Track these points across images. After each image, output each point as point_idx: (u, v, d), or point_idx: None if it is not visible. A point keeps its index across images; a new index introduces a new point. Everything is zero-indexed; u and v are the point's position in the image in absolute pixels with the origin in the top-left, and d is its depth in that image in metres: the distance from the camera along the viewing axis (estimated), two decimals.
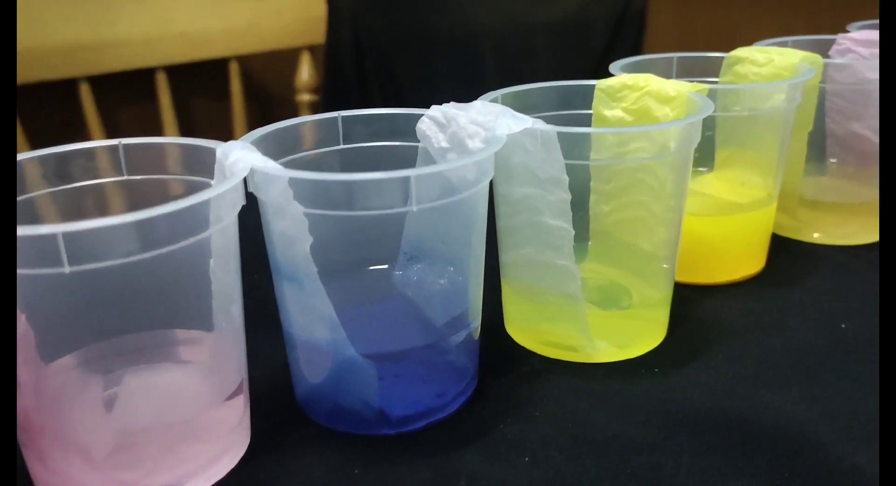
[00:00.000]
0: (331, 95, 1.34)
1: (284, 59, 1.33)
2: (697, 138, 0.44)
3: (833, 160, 0.63)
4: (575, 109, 0.50)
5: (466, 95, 0.47)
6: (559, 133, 0.40)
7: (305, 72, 1.28)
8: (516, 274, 0.46)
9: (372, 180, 0.34)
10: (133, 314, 0.37)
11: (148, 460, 0.34)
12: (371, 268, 0.44)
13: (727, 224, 0.53)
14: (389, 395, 0.39)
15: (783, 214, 0.60)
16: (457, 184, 0.38)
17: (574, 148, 0.41)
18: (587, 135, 0.41)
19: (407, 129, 0.43)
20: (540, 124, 0.40)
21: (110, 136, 1.16)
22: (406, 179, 0.34)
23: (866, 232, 0.60)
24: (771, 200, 0.54)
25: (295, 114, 1.33)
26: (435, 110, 0.42)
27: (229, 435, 0.37)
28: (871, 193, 0.61)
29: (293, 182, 0.34)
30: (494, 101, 0.47)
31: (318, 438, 0.39)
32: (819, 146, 0.63)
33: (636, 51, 1.58)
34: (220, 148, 0.36)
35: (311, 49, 1.30)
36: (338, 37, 1.32)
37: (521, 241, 0.45)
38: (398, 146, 0.44)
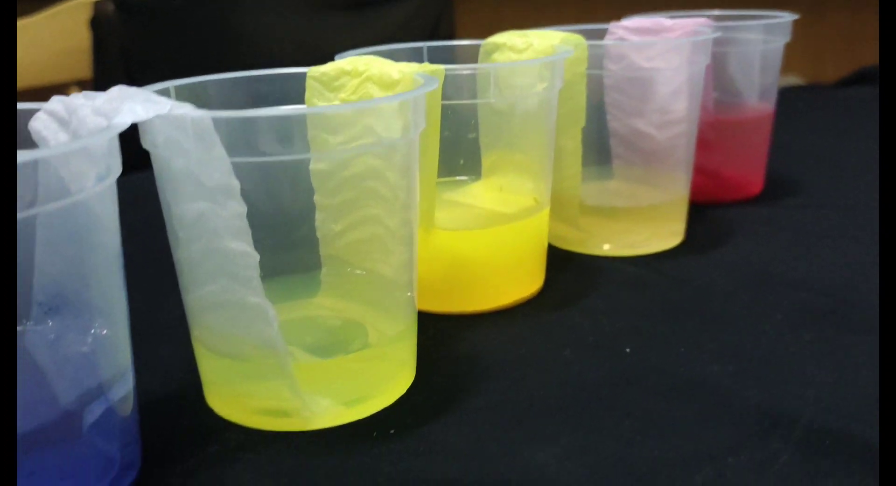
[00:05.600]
0: None
1: (50, 96, 1.17)
2: (422, 125, 0.35)
3: (618, 162, 0.56)
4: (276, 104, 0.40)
5: None
6: (220, 121, 0.29)
7: None
8: (203, 321, 0.35)
9: None
10: None
11: None
12: None
13: (492, 238, 0.44)
14: None
15: (564, 224, 0.52)
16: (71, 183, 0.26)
17: (250, 137, 0.31)
18: (261, 121, 0.31)
19: None
20: (187, 109, 0.29)
21: None
22: None
23: (658, 239, 0.53)
24: (540, 206, 0.46)
25: None
26: (55, 102, 0.30)
27: None
28: (659, 196, 0.54)
29: None
30: (164, 92, 0.35)
31: None
32: (602, 147, 0.55)
33: None
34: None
35: (82, 84, 1.15)
36: (107, 73, 1.17)
37: (204, 276, 0.33)
38: None
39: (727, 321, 0.42)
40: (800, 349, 0.39)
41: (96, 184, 0.27)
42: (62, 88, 1.12)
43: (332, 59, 0.40)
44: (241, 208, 0.30)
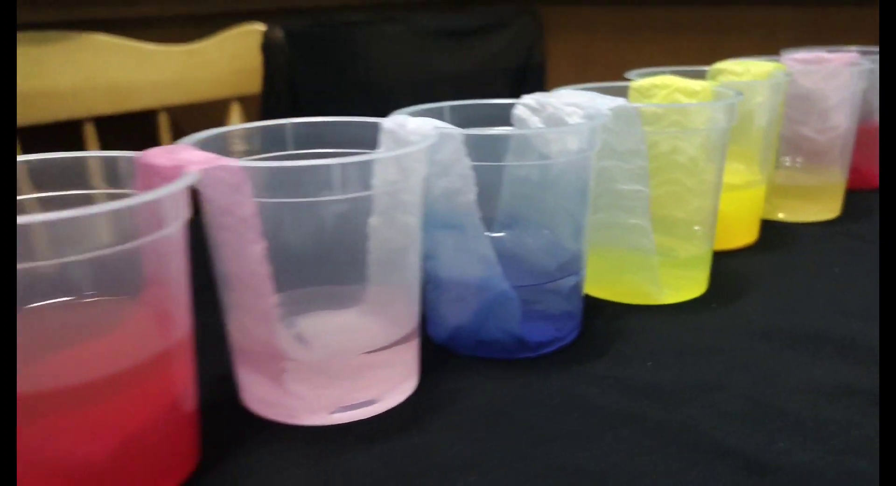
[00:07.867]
0: None
1: (214, 109, 1.32)
2: (725, 122, 0.55)
3: (786, 158, 0.76)
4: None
5: None
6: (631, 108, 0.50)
7: (236, 122, 1.28)
8: (591, 237, 0.55)
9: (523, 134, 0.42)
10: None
11: (343, 380, 0.40)
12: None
13: (729, 198, 0.64)
14: (528, 325, 0.46)
15: None
16: (551, 153, 0.46)
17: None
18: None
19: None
20: (620, 101, 0.49)
21: (37, 188, 1.11)
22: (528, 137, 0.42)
23: (824, 212, 0.73)
24: (760, 182, 0.66)
25: None
26: (528, 98, 0.51)
27: (407, 367, 0.43)
28: (822, 180, 0.74)
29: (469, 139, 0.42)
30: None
31: (469, 367, 0.45)
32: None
33: None
34: (389, 121, 0.43)
35: (242, 99, 1.29)
36: (274, 90, 1.35)
37: (596, 207, 0.53)
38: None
39: None
40: None
41: (577, 154, 0.47)
42: (227, 103, 1.28)
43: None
44: (645, 163, 0.50)
